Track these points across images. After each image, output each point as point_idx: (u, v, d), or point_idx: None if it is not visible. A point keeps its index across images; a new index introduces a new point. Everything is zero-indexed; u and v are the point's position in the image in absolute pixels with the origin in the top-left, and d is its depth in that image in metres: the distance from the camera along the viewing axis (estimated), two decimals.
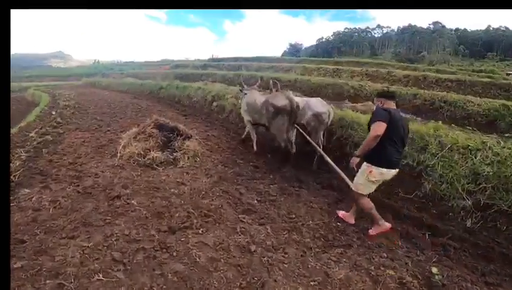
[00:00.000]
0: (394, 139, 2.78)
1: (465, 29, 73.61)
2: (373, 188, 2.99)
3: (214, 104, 9.07)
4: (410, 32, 73.07)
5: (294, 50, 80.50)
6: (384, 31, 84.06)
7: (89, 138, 5.73)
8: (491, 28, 68.09)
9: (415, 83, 12.94)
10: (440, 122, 4.39)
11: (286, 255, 2.55)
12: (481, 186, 3.26)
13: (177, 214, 2.97)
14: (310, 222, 3.14)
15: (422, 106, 8.91)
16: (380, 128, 2.70)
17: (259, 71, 19.94)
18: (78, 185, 3.47)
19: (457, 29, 73.54)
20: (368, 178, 2.88)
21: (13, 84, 23.04)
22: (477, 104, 8.08)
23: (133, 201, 3.16)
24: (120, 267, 2.22)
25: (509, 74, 21.71)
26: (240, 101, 6.01)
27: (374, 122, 2.76)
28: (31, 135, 5.68)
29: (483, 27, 71.77)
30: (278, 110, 4.32)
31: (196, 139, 5.05)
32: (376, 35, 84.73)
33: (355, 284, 2.27)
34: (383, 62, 27.45)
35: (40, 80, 32.28)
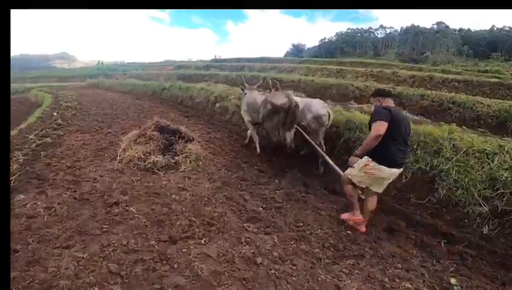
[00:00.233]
0: (396, 138, 2.72)
1: (468, 30, 72.98)
2: (364, 180, 2.90)
3: (217, 105, 8.94)
4: (413, 32, 72.49)
5: (296, 50, 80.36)
6: (387, 32, 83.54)
7: (89, 140, 5.60)
8: (495, 28, 67.43)
9: (421, 84, 12.74)
10: (454, 124, 4.21)
11: (294, 267, 2.39)
12: (498, 192, 3.11)
13: (178, 223, 2.81)
14: (319, 230, 2.98)
15: (430, 107, 8.71)
16: (381, 127, 2.64)
17: (262, 72, 19.82)
18: (75, 191, 3.31)
19: (461, 29, 72.92)
20: (362, 169, 2.83)
21: (17, 85, 23.20)
22: (487, 105, 7.89)
23: (131, 208, 3.00)
24: (117, 280, 2.07)
25: None
26: (241, 102, 5.90)
27: (375, 121, 2.70)
28: (30, 137, 5.56)
29: (487, 27, 71.25)
30: (275, 108, 4.28)
31: (198, 141, 4.89)
32: (379, 36, 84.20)
33: None
34: (388, 62, 27.27)
35: (44, 80, 32.36)
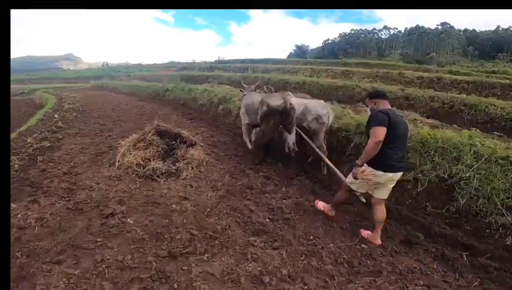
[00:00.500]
0: (393, 142, 2.64)
1: (473, 30, 72.10)
2: (362, 187, 2.86)
3: (220, 107, 8.75)
4: (417, 33, 71.88)
5: (300, 51, 79.79)
6: (391, 32, 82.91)
7: (88, 144, 5.42)
8: (501, 29, 66.55)
9: (429, 85, 12.42)
10: (474, 128, 3.96)
11: (305, 287, 2.18)
12: None
13: (178, 236, 2.60)
14: (331, 244, 2.75)
15: (441, 109, 8.40)
16: (379, 133, 2.55)
17: (266, 73, 19.62)
18: (69, 200, 3.11)
19: (465, 30, 72.13)
20: (360, 175, 2.77)
21: (24, 87, 23.21)
22: (500, 108, 7.56)
23: (129, 219, 2.79)
24: None
25: None
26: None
27: (373, 127, 2.61)
28: (28, 140, 5.40)
29: (492, 27, 70.40)
30: (271, 109, 4.24)
31: (201, 146, 4.67)
32: (383, 37, 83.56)
33: None
34: (393, 63, 26.89)
35: (50, 82, 32.47)
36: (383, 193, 2.84)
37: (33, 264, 2.17)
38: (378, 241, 2.85)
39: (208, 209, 3.13)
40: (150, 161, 3.91)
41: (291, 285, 2.18)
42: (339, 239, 2.85)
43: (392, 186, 2.83)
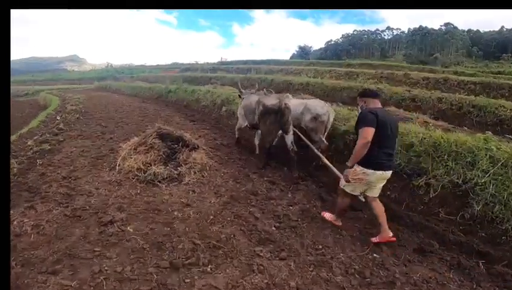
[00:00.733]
0: (382, 142, 2.67)
1: (477, 31, 71.52)
2: (356, 188, 2.85)
3: (223, 108, 8.64)
4: (421, 33, 71.35)
5: (303, 52, 79.51)
6: (394, 33, 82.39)
7: (89, 146, 5.32)
8: (505, 29, 65.89)
9: (435, 86, 12.25)
10: (490, 132, 3.80)
11: None
12: None
13: (180, 245, 2.47)
14: (341, 254, 2.62)
15: (449, 110, 8.23)
16: (367, 134, 2.59)
17: (269, 74, 19.49)
18: (67, 206, 3.00)
19: (469, 30, 71.54)
20: (351, 176, 2.78)
21: (28, 88, 23.30)
22: (510, 109, 7.39)
23: (128, 227, 2.67)
24: None
25: None
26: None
27: (362, 128, 2.64)
28: (28, 143, 5.31)
29: (496, 28, 69.79)
30: (266, 109, 4.35)
31: (204, 149, 4.53)
32: (386, 37, 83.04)
33: None
34: (397, 64, 26.67)
35: (55, 83, 32.60)
36: (374, 192, 2.89)
37: (28, 274, 2.08)
38: (390, 234, 2.82)
39: (211, 217, 3.01)
40: (151, 165, 3.78)
41: None
42: (349, 248, 2.71)
43: (382, 185, 2.88)
